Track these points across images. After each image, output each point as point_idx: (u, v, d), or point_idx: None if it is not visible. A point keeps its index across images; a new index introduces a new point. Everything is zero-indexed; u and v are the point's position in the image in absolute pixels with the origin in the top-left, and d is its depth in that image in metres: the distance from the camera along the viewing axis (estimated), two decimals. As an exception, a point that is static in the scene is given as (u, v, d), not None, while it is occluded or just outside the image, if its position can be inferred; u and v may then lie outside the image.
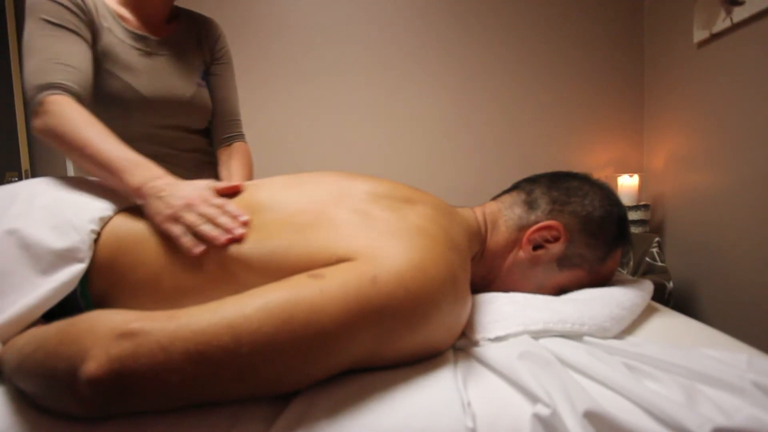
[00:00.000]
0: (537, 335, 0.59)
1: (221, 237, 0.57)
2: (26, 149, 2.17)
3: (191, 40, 1.11)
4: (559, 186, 0.75)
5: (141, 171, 0.68)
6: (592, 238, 0.72)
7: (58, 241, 0.58)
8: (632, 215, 1.90)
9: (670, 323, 0.72)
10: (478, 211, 0.76)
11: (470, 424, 0.41)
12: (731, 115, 1.55)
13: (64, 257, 0.58)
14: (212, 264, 0.58)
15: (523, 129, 2.13)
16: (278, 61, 2.11)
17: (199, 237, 0.59)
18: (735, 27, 1.50)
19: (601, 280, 0.76)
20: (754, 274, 1.45)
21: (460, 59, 2.11)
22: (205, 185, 0.67)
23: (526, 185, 0.78)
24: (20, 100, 2.15)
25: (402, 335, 0.49)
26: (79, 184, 0.73)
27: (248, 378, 0.41)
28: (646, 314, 0.74)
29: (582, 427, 0.40)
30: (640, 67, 2.10)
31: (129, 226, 0.64)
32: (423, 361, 0.52)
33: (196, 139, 1.15)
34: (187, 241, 0.58)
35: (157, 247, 0.61)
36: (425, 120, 2.13)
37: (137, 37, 1.00)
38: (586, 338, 0.60)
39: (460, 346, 0.59)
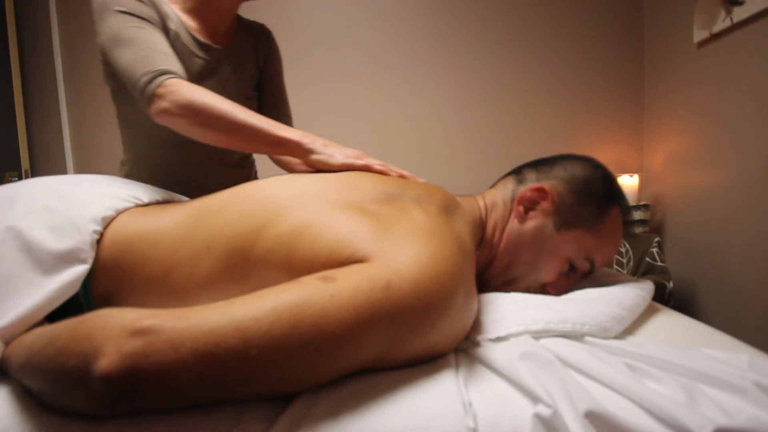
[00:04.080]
0: (538, 335, 0.59)
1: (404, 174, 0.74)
2: (26, 149, 2.17)
3: (248, 48, 1.09)
4: (544, 162, 0.82)
5: (292, 131, 0.78)
6: (581, 195, 0.75)
7: (59, 242, 0.58)
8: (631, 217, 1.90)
9: (670, 323, 0.72)
10: (479, 199, 0.80)
11: (471, 424, 0.41)
12: (731, 115, 1.55)
13: (66, 258, 0.57)
14: (223, 257, 0.58)
15: (523, 129, 2.13)
16: (278, 61, 2.11)
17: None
18: (735, 27, 1.50)
19: (606, 240, 0.75)
20: (754, 274, 1.45)
21: (459, 59, 2.11)
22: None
23: (514, 170, 0.84)
24: (20, 100, 2.14)
25: (410, 341, 0.48)
26: (82, 182, 0.72)
27: (255, 379, 0.41)
28: (646, 314, 0.74)
29: (583, 427, 0.40)
30: (640, 67, 2.10)
31: (136, 225, 0.64)
32: (425, 362, 0.52)
33: None
34: (377, 167, 0.73)
35: (168, 244, 0.61)
36: (425, 120, 2.13)
37: (201, 45, 0.98)
38: (587, 338, 0.60)
39: (461, 346, 0.59)
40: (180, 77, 0.81)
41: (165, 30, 0.92)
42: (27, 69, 2.18)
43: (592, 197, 0.74)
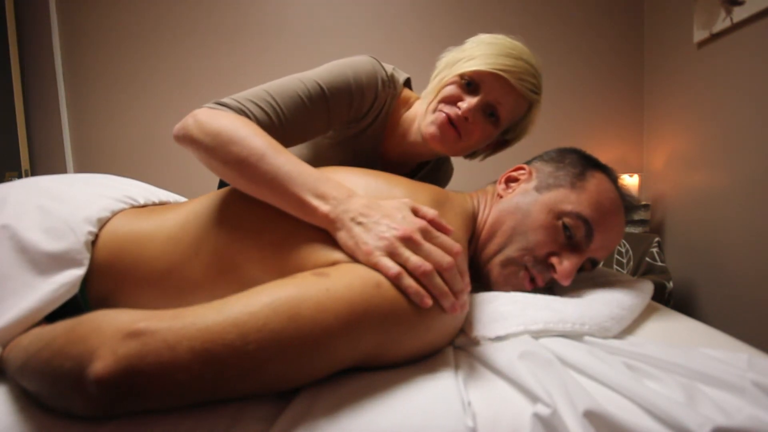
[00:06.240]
0: (537, 335, 0.59)
1: (455, 305, 0.51)
2: (26, 149, 2.17)
3: (421, 179, 1.08)
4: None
5: (328, 195, 0.56)
6: (556, 162, 0.79)
7: (54, 243, 0.58)
8: (632, 215, 1.90)
9: (670, 323, 0.72)
10: (473, 194, 0.81)
11: (470, 424, 0.41)
12: (731, 115, 1.55)
13: (62, 260, 0.57)
14: (214, 264, 0.58)
15: (523, 129, 2.13)
16: (277, 61, 2.11)
17: (422, 284, 0.49)
18: (735, 27, 1.50)
19: (592, 199, 0.72)
20: (754, 274, 1.45)
21: (460, 59, 2.11)
22: (411, 215, 0.55)
23: None
24: (20, 99, 2.15)
25: (404, 338, 0.49)
26: (77, 182, 0.72)
27: (253, 375, 0.41)
28: (646, 314, 0.74)
29: (582, 427, 0.40)
30: (640, 68, 2.10)
31: (130, 226, 0.64)
32: (423, 360, 0.52)
33: None
34: (411, 287, 0.48)
35: (161, 246, 0.61)
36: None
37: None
38: (587, 338, 0.60)
39: (461, 344, 0.59)
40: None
41: (355, 130, 0.89)
42: (27, 69, 2.18)
43: (569, 163, 0.77)
